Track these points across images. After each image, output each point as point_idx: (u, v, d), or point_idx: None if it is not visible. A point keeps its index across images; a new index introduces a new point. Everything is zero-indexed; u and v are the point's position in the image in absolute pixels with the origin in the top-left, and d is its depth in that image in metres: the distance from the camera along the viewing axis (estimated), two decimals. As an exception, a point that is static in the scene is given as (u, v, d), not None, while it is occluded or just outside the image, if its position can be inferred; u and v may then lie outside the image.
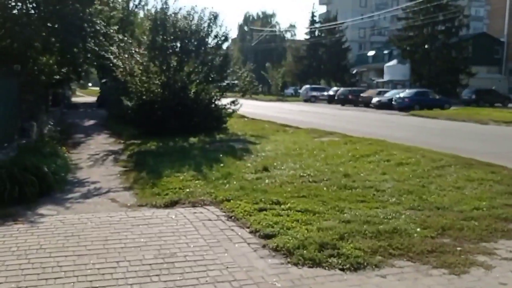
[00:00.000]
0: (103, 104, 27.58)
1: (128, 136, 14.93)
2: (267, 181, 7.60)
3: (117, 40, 10.55)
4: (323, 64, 65.60)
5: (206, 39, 15.58)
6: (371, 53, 72.73)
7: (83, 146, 13.18)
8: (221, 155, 10.43)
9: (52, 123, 11.64)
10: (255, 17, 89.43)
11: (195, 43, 15.36)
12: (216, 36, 15.80)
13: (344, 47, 64.94)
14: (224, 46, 16.28)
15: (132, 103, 15.55)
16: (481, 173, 7.78)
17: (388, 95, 34.27)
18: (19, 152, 8.58)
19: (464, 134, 16.43)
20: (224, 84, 16.05)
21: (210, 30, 15.65)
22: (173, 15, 15.23)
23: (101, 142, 14.03)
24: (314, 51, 66.03)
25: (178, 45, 15.24)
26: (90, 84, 71.56)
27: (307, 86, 51.20)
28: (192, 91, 15.87)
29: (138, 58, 14.74)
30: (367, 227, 5.02)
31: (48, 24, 11.17)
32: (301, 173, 8.06)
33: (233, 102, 16.24)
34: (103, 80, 29.66)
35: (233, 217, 5.64)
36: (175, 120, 15.14)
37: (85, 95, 59.68)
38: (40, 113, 11.57)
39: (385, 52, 67.53)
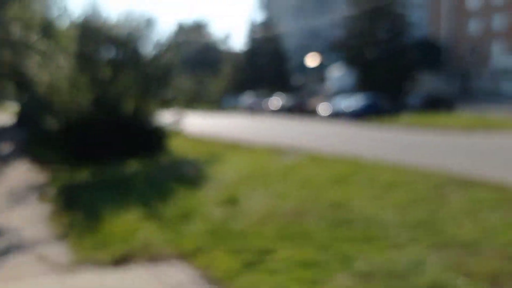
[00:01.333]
0: (22, 124, 25.06)
1: (55, 162, 13.16)
2: (239, 217, 6.42)
3: (39, 48, 9.01)
4: (263, 73, 65.37)
5: (144, 48, 14.19)
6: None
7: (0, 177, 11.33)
8: (172, 184, 9.12)
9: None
10: (190, 26, 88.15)
11: (132, 53, 13.92)
12: (155, 45, 14.45)
13: (284, 55, 65.10)
14: (165, 55, 14.92)
15: (58, 123, 13.78)
16: (485, 193, 7.06)
17: (337, 103, 34.19)
18: None
19: (431, 146, 16.12)
20: (166, 97, 14.68)
21: (148, 38, 14.29)
22: (104, 21, 13.71)
23: (21, 172, 12.20)
24: (253, 60, 65.70)
25: (111, 54, 13.73)
26: (4, 99, 66.54)
27: (249, 96, 50.51)
28: (129, 107, 14.37)
29: (64, 71, 13.06)
30: (397, 284, 3.98)
31: None
32: (278, 204, 6.96)
33: (177, 118, 14.88)
34: (22, 96, 27.08)
35: (212, 279, 4.40)
36: (109, 142, 13.57)
37: (1, 113, 55.37)
38: None
39: (327, 59, 68.64)
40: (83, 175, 10.99)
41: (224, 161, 11.90)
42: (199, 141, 17.07)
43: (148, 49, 14.28)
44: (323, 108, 34.24)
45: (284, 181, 8.76)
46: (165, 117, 15.04)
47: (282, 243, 5.27)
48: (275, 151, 13.42)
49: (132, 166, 12.01)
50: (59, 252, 5.62)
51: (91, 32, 13.18)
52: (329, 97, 43.63)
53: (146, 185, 9.28)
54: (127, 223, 6.48)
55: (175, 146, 15.63)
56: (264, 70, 64.38)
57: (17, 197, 9.06)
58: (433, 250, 4.84)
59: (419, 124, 23.87)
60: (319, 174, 9.16)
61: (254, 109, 45.31)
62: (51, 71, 13.16)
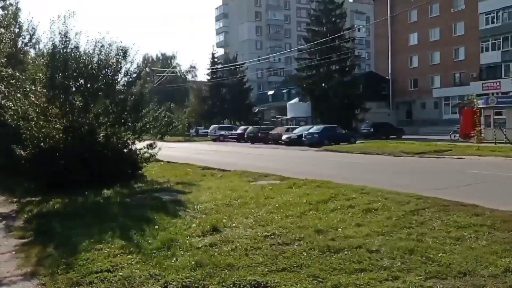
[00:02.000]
0: (-12, 154, 23.33)
1: (23, 192, 12.01)
2: (225, 248, 5.71)
3: (6, 76, 8.07)
4: (226, 104, 65.09)
5: (116, 76, 13.37)
6: (270, 92, 74.27)
7: (-38, 210, 10.10)
8: (149, 212, 8.31)
9: None
10: (155, 58, 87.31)
11: (104, 80, 13.08)
12: (127, 73, 13.69)
13: (245, 87, 65.20)
14: (136, 83, 14.15)
15: (27, 152, 12.66)
16: (464, 217, 6.66)
17: (297, 131, 34.07)
18: None
19: (389, 167, 15.93)
20: (139, 126, 13.85)
21: (119, 66, 13.49)
22: (75, 49, 12.84)
23: (-13, 203, 10.98)
24: (217, 91, 65.43)
25: (83, 83, 12.84)
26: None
27: (215, 125, 49.93)
28: (102, 135, 13.45)
29: (33, 99, 12.06)
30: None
31: None
32: (262, 232, 6.29)
33: (150, 145, 14.06)
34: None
35: (209, 324, 3.68)
36: (82, 170, 12.54)
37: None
38: None
39: (284, 91, 69.43)
40: (54, 204, 9.94)
41: (199, 187, 11.16)
42: (172, 167, 16.21)
43: (120, 78, 13.49)
44: (284, 136, 33.98)
45: (264, 207, 8.11)
46: (138, 145, 14.20)
47: (275, 276, 4.61)
48: (247, 175, 12.78)
49: (106, 193, 11.05)
50: (30, 294, 4.73)
51: (60, 61, 12.28)
52: (289, 125, 43.64)
53: (122, 214, 8.41)
54: (105, 257, 5.65)
55: (149, 173, 14.75)
56: (227, 101, 64.13)
57: (-18, 230, 7.98)
58: (430, 281, 4.32)
59: (372, 149, 23.88)
60: (297, 199, 8.55)
61: (222, 137, 44.62)
62: (20, 99, 12.12)
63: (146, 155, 14.16)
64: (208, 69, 67.45)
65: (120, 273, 5.00)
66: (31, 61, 20.80)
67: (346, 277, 4.52)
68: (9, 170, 15.89)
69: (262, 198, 9.00)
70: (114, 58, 13.28)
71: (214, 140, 45.34)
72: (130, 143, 13.87)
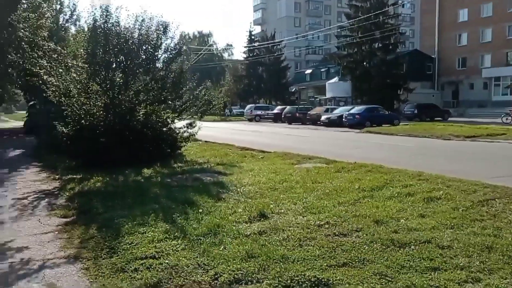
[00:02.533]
0: (32, 131, 23.93)
1: (65, 169, 12.05)
2: (276, 237, 5.33)
3: (48, 50, 7.86)
4: (263, 83, 64.41)
5: (156, 53, 13.10)
6: (308, 71, 72.93)
7: (7, 186, 10.18)
8: (192, 194, 8.03)
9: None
10: (191, 37, 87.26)
11: (143, 57, 12.86)
12: (167, 49, 13.39)
13: (283, 65, 64.17)
14: (177, 61, 13.83)
15: (68, 129, 12.67)
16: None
17: (337, 112, 33.21)
18: None
19: (440, 152, 15.09)
20: (179, 104, 13.61)
21: (160, 42, 13.20)
22: (115, 23, 12.61)
23: (30, 179, 11.05)
24: (253, 70, 64.79)
25: (123, 59, 12.63)
26: (13, 105, 64.82)
27: (251, 105, 49.49)
28: (141, 113, 13.29)
29: (74, 75, 11.97)
30: None
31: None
32: (315, 221, 5.87)
33: (189, 124, 13.82)
34: (31, 103, 26.02)
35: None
36: (121, 148, 12.46)
37: (11, 120, 54.07)
38: None
39: (322, 69, 68.00)
40: (95, 182, 9.87)
41: (240, 168, 10.82)
42: (210, 147, 15.95)
43: (160, 53, 13.21)
44: (324, 116, 33.20)
45: (312, 192, 7.68)
46: (177, 124, 13.99)
47: (336, 272, 4.20)
48: (289, 158, 12.34)
49: (146, 172, 10.91)
50: (73, 281, 4.51)
51: (101, 36, 12.09)
52: (327, 105, 42.73)
53: (163, 195, 8.18)
54: (149, 241, 5.40)
55: (188, 152, 14.56)
56: (264, 81, 63.44)
57: (25, 207, 7.93)
58: (526, 285, 3.79)
59: (418, 131, 22.86)
60: (347, 184, 8.07)
61: (258, 117, 44.21)
62: (61, 75, 12.07)
63: (185, 134, 13.96)
64: (245, 47, 66.77)
65: (166, 261, 4.72)
66: (72, 38, 20.98)
67: (418, 277, 4.06)
68: (51, 147, 16.12)
69: (309, 182, 8.56)
70: (155, 34, 13.00)
71: (250, 120, 45.00)
72: (170, 121, 13.67)
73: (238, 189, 8.31)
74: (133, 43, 12.34)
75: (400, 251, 4.70)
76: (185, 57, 13.60)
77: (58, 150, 14.28)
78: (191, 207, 7.01)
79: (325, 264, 4.41)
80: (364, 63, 46.74)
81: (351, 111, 31.25)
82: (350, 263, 4.42)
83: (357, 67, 46.76)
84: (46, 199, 8.59)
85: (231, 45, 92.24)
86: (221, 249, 4.99)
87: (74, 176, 10.82)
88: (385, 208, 6.35)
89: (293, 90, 66.91)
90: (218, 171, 10.64)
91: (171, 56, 13.32)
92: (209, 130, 27.91)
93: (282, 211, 6.54)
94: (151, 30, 12.88)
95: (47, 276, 4.67)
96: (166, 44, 13.38)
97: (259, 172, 9.96)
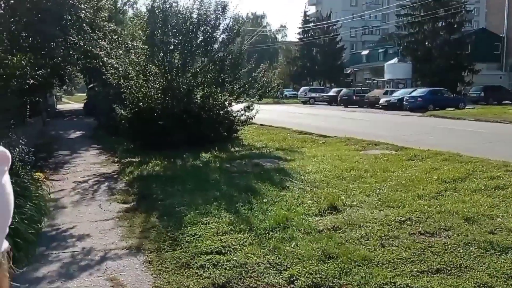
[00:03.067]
0: (91, 112, 24.56)
1: (123, 152, 12.06)
2: (352, 233, 4.82)
3: (109, 31, 7.72)
4: (317, 64, 63.05)
5: (214, 33, 12.73)
6: (364, 52, 70.47)
7: (68, 168, 10.27)
8: (253, 181, 7.65)
9: (23, 142, 8.68)
10: (245, 18, 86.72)
11: (202, 38, 12.53)
12: (226, 30, 12.97)
13: (338, 46, 62.42)
14: (235, 41, 13.38)
15: (126, 111, 12.66)
16: None
17: (397, 94, 31.74)
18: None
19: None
20: (238, 86, 13.22)
21: (218, 22, 12.80)
22: (174, 3, 12.33)
23: (90, 162, 11.12)
24: (308, 52, 63.49)
25: (181, 40, 12.34)
26: (74, 88, 67.39)
27: (306, 87, 48.58)
28: (199, 95, 13.05)
29: (133, 57, 11.85)
30: None
31: (17, 14, 8.23)
32: (394, 216, 5.30)
33: (247, 107, 13.43)
34: (91, 85, 26.67)
35: None
36: (179, 131, 12.32)
37: (72, 102, 56.31)
38: (8, 129, 8.63)
39: (380, 50, 65.45)
40: (153, 166, 9.73)
41: (302, 154, 10.32)
42: (267, 131, 15.54)
43: (218, 34, 12.83)
44: (383, 99, 31.85)
45: (384, 183, 7.07)
46: (234, 106, 13.66)
47: (432, 281, 3.63)
48: (353, 143, 11.68)
49: (204, 157, 10.67)
50: (136, 275, 4.24)
51: (160, 17, 11.85)
52: (385, 87, 41.08)
53: (224, 181, 7.85)
54: (213, 233, 5.05)
55: (244, 136, 14.24)
56: (318, 62, 62.09)
57: (86, 192, 7.88)
58: None
59: (488, 116, 21.29)
60: (423, 174, 7.38)
61: (312, 100, 43.27)
62: (121, 58, 11.99)
63: (242, 117, 13.60)
64: (300, 27, 65.45)
65: (234, 258, 4.34)
66: (129, 21, 21.11)
67: (532, 291, 3.43)
68: (110, 129, 16.34)
69: (380, 171, 7.93)
70: (213, 14, 12.61)
71: (304, 102, 44.14)
72: (227, 104, 13.35)
73: (302, 177, 7.84)
74: (191, 23, 12.01)
75: (502, 257, 4.05)
76: (241, 39, 13.07)
77: (116, 132, 14.40)
78: (254, 196, 6.62)
79: (415, 269, 3.86)
80: (426, 43, 44.43)
81: (413, 94, 29.74)
82: (445, 270, 3.84)
83: (418, 48, 44.56)
84: (106, 183, 8.51)
85: (284, 27, 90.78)
86: (292, 245, 4.55)
87: (133, 159, 10.75)
88: (474, 204, 5.65)
89: (348, 72, 65.04)
90: (278, 157, 10.20)
91: (229, 37, 12.89)
92: (264, 113, 27.46)
93: (355, 203, 6.00)
94: (209, 10, 12.51)
95: (109, 269, 4.42)
96: (224, 24, 12.99)
97: (323, 159, 9.42)
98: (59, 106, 41.27)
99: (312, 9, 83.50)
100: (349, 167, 8.43)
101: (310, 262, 4.07)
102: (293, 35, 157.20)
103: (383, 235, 4.71)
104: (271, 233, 4.97)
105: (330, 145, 11.74)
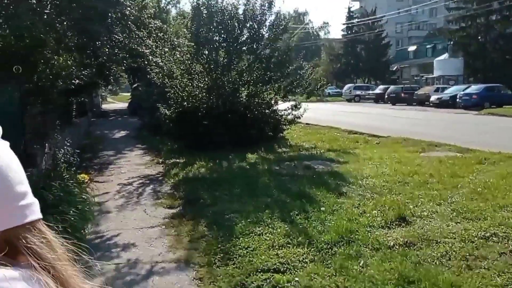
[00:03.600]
0: (135, 112, 24.74)
1: (168, 152, 11.82)
2: (429, 251, 4.21)
3: (154, 29, 7.41)
4: (361, 61, 61.54)
5: (261, 30, 12.26)
6: (412, 48, 68.21)
7: (112, 169, 10.09)
8: (306, 186, 7.11)
9: (69, 143, 8.55)
10: (287, 16, 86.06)
11: (248, 34, 12.09)
12: (272, 26, 12.45)
13: (384, 43, 60.64)
14: (282, 37, 12.86)
15: (170, 111, 12.42)
16: None
17: (449, 91, 30.24)
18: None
19: None
20: (285, 84, 12.70)
21: (264, 18, 12.32)
22: (219, 1, 11.95)
23: (135, 162, 10.92)
24: (352, 48, 62.05)
25: (227, 37, 11.95)
26: (118, 88, 68.76)
27: (350, 85, 47.35)
28: (244, 94, 12.64)
29: (178, 55, 11.56)
30: None
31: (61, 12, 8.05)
32: (476, 231, 4.62)
33: (294, 106, 12.88)
34: (135, 85, 26.90)
35: None
36: (223, 131, 11.96)
37: (117, 102, 57.53)
38: (54, 130, 8.51)
39: (428, 46, 63.14)
40: (199, 167, 9.37)
41: (356, 156, 9.68)
42: (314, 130, 14.93)
43: (264, 30, 12.34)
44: (433, 96, 30.43)
45: (454, 190, 6.36)
46: (280, 105, 13.16)
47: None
48: (411, 144, 10.91)
49: (251, 158, 10.23)
50: (187, 294, 3.81)
51: (205, 13, 11.50)
52: (435, 84, 39.41)
53: (274, 185, 7.37)
54: (268, 246, 4.57)
55: (291, 136, 13.72)
56: (363, 59, 60.60)
57: (130, 195, 7.59)
58: None
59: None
60: (499, 179, 6.61)
61: (357, 98, 42.11)
62: (165, 56, 11.74)
63: (289, 116, 13.07)
64: (344, 24, 64.15)
65: (295, 278, 3.83)
66: (173, 20, 21.04)
67: None
68: (154, 129, 16.24)
69: (447, 176, 7.20)
70: (259, 10, 12.14)
71: (348, 100, 43.00)
72: (273, 103, 12.87)
73: (360, 182, 7.23)
74: (237, 20, 11.60)
75: None
76: (288, 35, 12.53)
77: (160, 132, 14.25)
78: (310, 203, 6.09)
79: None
80: (479, 38, 42.21)
81: (467, 91, 28.21)
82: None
83: (470, 43, 42.39)
84: (151, 186, 8.21)
85: (327, 23, 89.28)
86: (361, 264, 4.00)
87: (177, 160, 10.46)
88: None
89: (394, 69, 63.12)
90: (331, 159, 9.61)
91: (276, 33, 12.37)
92: (308, 111, 26.83)
93: (426, 213, 5.35)
94: (255, 6, 12.04)
95: (156, 285, 4.02)
96: (270, 20, 12.49)
97: (380, 161, 8.75)
98: (104, 106, 42.14)
99: (356, 5, 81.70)
100: (411, 171, 7.74)
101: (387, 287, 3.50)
102: (335, 32, 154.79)
103: (467, 254, 4.07)
104: (334, 248, 4.43)
105: (386, 146, 11.01)
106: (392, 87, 37.76)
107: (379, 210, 5.57)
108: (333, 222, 5.22)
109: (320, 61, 68.53)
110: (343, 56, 62.94)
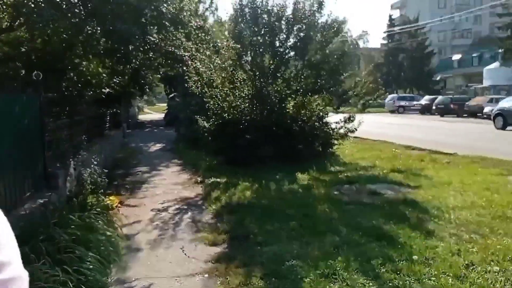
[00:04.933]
0: (171, 123, 23.91)
1: (207, 169, 10.62)
2: None
3: (195, 28, 6.34)
4: (403, 71, 59.30)
5: (311, 32, 10.97)
6: (456, 57, 65.32)
7: (146, 190, 8.96)
8: (380, 220, 5.72)
9: (96, 161, 7.46)
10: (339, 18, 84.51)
11: (297, 37, 10.84)
12: (324, 28, 11.15)
13: (427, 51, 58.24)
14: (334, 42, 11.50)
15: (210, 123, 11.28)
16: None
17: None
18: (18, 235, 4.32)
19: None
20: (338, 94, 11.36)
21: (314, 20, 11.03)
22: (263, 3, 10.73)
23: (171, 181, 9.78)
24: (393, 57, 59.92)
25: (273, 41, 10.72)
26: (154, 97, 68.81)
27: (394, 95, 45.29)
28: (291, 105, 11.37)
29: (218, 61, 10.39)
30: None
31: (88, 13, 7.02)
32: None
33: (348, 118, 11.49)
34: (171, 95, 26.17)
35: None
36: (267, 146, 10.72)
37: (153, 112, 57.39)
38: (80, 146, 7.45)
39: (474, 55, 60.26)
40: (243, 190, 8.12)
41: (428, 179, 8.18)
42: (367, 145, 13.39)
43: (314, 33, 11.03)
44: (487, 107, 28.18)
45: None
46: (333, 117, 11.80)
47: None
48: (493, 165, 9.29)
49: (301, 178, 8.90)
50: None
51: (249, 14, 10.34)
52: (484, 94, 36.95)
53: (339, 218, 6.02)
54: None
55: (341, 151, 12.31)
56: (404, 69, 58.37)
57: (165, 226, 6.39)
58: None
59: None
60: None
61: (401, 109, 40.03)
62: (205, 64, 10.62)
63: (341, 130, 11.67)
64: (385, 32, 62.13)
65: None
66: (210, 28, 20.10)
67: None
68: (191, 142, 15.17)
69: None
70: (309, 11, 10.86)
71: (391, 111, 40.92)
72: (324, 115, 11.53)
73: (447, 215, 5.78)
74: (288, 21, 10.38)
75: None
76: (340, 38, 11.17)
77: (198, 146, 13.16)
78: (392, 246, 4.72)
79: None
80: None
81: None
82: None
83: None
84: (189, 213, 7.00)
85: (366, 32, 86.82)
86: None
87: (218, 180, 9.24)
88: None
89: (437, 79, 60.48)
90: (398, 182, 8.15)
91: (327, 36, 11.05)
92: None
93: None
94: (305, 6, 10.78)
95: None
96: (321, 22, 11.19)
97: (462, 187, 7.24)
98: (141, 117, 41.77)
99: (395, 13, 79.42)
100: (509, 201, 6.21)
101: None
102: (374, 41, 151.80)
103: None
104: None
105: (460, 166, 9.42)
106: (440, 98, 35.60)
107: (490, 260, 4.14)
108: (434, 280, 3.84)
109: (359, 71, 66.60)
110: (383, 66, 60.87)
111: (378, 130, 19.59)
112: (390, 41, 60.88)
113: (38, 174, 5.95)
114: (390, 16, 62.47)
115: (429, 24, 61.11)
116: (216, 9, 25.96)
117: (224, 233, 5.81)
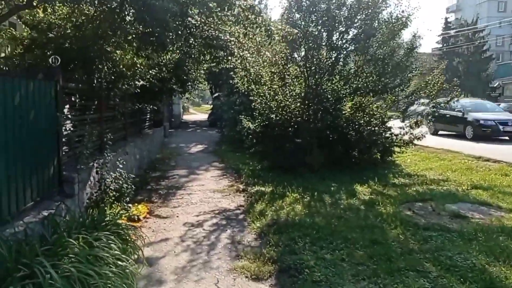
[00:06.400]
0: (214, 124, 22.93)
1: (250, 175, 9.38)
2: None
3: (243, 9, 5.29)
4: (457, 76, 55.95)
5: (374, 24, 9.50)
6: (516, 63, 61.20)
7: (181, 198, 7.79)
8: (486, 262, 4.25)
9: (122, 165, 6.37)
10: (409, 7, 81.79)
11: (358, 29, 9.40)
12: (389, 21, 9.62)
13: (485, 56, 54.72)
14: (400, 36, 9.97)
15: (255, 124, 10.05)
16: None
17: None
18: (12, 256, 3.19)
19: None
20: (405, 95, 9.84)
21: (377, 10, 9.54)
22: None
23: (209, 188, 8.58)
24: (448, 62, 56.67)
25: (331, 32, 9.33)
26: (197, 95, 68.40)
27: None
28: (348, 106, 9.96)
29: (268, 54, 9.09)
30: None
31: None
32: None
33: (415, 123, 9.94)
34: (216, 94, 25.24)
35: None
36: (320, 152, 9.38)
37: (198, 113, 57.04)
38: (105, 146, 6.37)
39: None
40: (291, 203, 6.81)
41: (507, 195, 6.58)
42: (434, 155, 11.67)
43: (377, 25, 9.55)
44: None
45: None
46: (393, 121, 10.31)
47: None
48: None
49: (361, 192, 7.48)
50: None
51: (305, 2, 9.02)
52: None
53: (418, 249, 4.60)
54: None
55: (401, 160, 10.77)
56: (460, 74, 55.06)
57: (198, 247, 5.17)
58: None
59: None
60: None
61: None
62: (253, 56, 9.39)
63: (405, 137, 10.13)
64: (439, 35, 59.00)
65: None
66: (267, 20, 18.84)
67: None
68: (234, 143, 14.03)
69: None
70: (373, 4, 9.39)
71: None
72: (385, 118, 10.04)
73: None
74: (349, 9, 8.99)
75: None
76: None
77: (242, 148, 11.98)
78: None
79: None
80: None
81: None
82: None
83: None
84: (228, 231, 5.75)
85: (419, 36, 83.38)
86: None
87: (263, 189, 7.98)
88: None
89: (495, 85, 56.69)
90: (484, 201, 6.59)
91: (393, 29, 9.51)
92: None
93: None
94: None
95: None
96: (386, 13, 9.70)
97: None
98: (185, 117, 41.24)
99: (451, 17, 75.61)
100: None
101: None
102: (427, 45, 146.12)
103: None
104: None
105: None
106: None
107: None
108: None
109: (412, 75, 63.69)
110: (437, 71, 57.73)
111: (433, 136, 17.62)
112: (445, 45, 57.70)
113: (48, 178, 4.88)
114: (446, 19, 59.36)
115: (488, 28, 57.60)
116: (265, 7, 24.67)
117: (270, 262, 4.52)
